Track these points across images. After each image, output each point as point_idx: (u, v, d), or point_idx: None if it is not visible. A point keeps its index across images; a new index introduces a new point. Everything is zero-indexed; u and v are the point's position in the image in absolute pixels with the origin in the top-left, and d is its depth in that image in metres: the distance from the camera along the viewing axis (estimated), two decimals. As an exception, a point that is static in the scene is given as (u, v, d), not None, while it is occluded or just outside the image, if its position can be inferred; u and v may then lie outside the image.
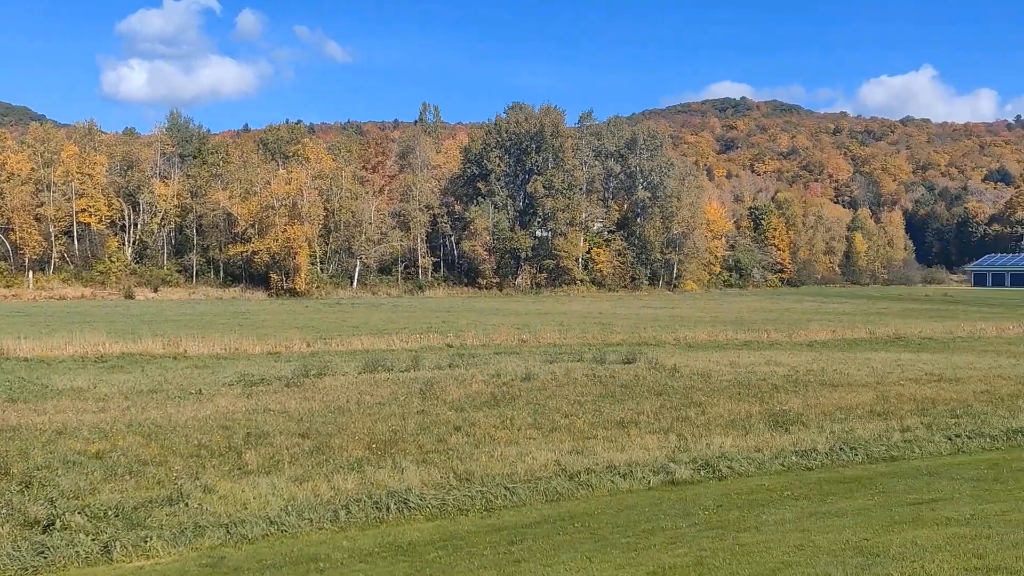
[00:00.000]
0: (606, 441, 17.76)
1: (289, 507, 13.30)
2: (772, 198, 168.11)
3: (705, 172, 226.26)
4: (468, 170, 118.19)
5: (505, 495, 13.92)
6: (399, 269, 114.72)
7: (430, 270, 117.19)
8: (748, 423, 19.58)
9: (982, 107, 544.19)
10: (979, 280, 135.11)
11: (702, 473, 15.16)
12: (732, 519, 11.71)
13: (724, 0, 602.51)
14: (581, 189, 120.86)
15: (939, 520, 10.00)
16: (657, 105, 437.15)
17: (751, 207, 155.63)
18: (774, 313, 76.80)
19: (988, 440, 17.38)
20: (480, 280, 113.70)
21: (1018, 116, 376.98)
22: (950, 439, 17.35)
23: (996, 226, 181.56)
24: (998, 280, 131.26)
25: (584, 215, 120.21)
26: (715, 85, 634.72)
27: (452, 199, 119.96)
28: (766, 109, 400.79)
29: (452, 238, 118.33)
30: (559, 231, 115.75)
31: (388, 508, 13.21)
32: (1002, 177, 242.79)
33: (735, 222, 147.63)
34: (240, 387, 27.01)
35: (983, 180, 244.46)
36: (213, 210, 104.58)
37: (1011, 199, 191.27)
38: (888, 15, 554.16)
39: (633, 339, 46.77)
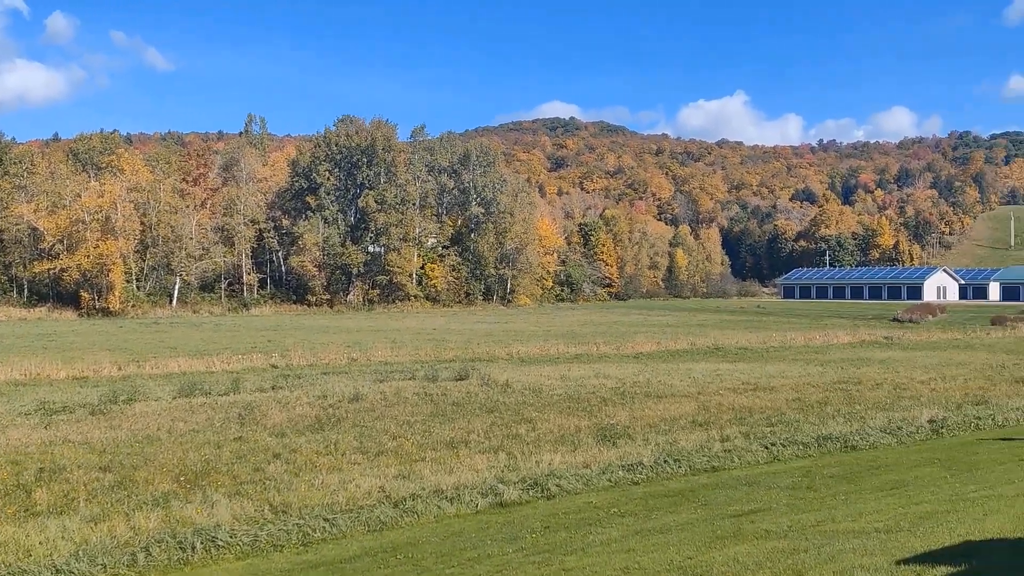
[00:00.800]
0: (434, 463, 17.18)
1: (80, 552, 11.92)
2: (600, 215, 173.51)
3: (537, 189, 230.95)
4: (296, 184, 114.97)
5: (324, 527, 13.08)
6: (222, 286, 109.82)
7: (256, 287, 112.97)
8: (577, 438, 19.53)
9: (789, 131, 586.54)
10: (788, 293, 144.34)
11: (531, 493, 14.86)
12: (559, 541, 11.42)
13: (552, 22, 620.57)
14: (414, 204, 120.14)
15: (759, 533, 10.07)
16: (490, 122, 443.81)
17: (581, 223, 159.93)
18: (603, 326, 78.85)
19: (801, 447, 18.06)
20: (309, 297, 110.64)
21: (820, 140, 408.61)
22: (767, 447, 17.91)
23: (802, 242, 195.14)
24: (805, 292, 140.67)
25: (417, 230, 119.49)
26: (545, 105, 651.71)
27: (279, 213, 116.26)
28: (594, 129, 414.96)
29: (280, 254, 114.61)
30: (392, 246, 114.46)
31: (194, 548, 12.08)
32: (807, 196, 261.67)
33: (566, 238, 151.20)
34: (38, 416, 24.56)
35: (790, 199, 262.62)
36: (16, 224, 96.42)
37: (815, 217, 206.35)
38: (703, 43, 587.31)
39: (466, 355, 46.51)
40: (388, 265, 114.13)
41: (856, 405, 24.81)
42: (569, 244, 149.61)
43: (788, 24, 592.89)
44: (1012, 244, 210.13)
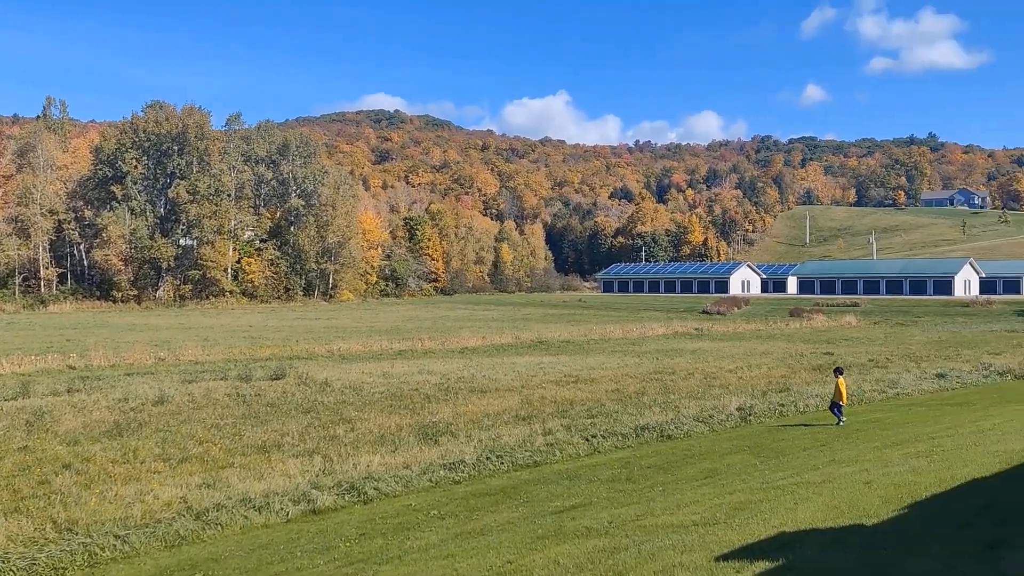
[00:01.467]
0: (244, 470, 16.08)
1: None
2: (426, 209, 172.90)
3: (361, 182, 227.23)
4: (100, 172, 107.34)
5: (115, 545, 11.83)
6: (16, 282, 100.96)
7: (55, 282, 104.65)
8: (398, 438, 18.92)
9: (608, 131, 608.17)
10: (607, 287, 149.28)
11: (347, 498, 14.12)
12: (375, 549, 10.79)
13: (377, 12, 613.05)
14: (230, 195, 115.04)
15: (580, 531, 9.86)
16: (311, 113, 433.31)
17: (406, 218, 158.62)
18: (428, 321, 78.37)
19: (620, 439, 18.27)
20: (115, 293, 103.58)
21: (637, 141, 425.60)
22: (587, 440, 17.99)
23: (621, 238, 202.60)
24: (623, 287, 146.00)
25: (233, 223, 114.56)
26: (370, 96, 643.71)
27: (81, 204, 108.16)
28: (419, 123, 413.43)
29: (82, 247, 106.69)
30: (205, 239, 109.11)
31: (-47, 579, 10.58)
32: (625, 195, 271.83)
33: (391, 232, 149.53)
34: None
35: (609, 197, 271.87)
36: None
37: (632, 214, 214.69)
38: (527, 42, 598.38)
39: (284, 353, 44.74)
40: (201, 259, 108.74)
41: (671, 395, 25.56)
42: (394, 238, 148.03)
43: (608, 28, 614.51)
44: (808, 241, 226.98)
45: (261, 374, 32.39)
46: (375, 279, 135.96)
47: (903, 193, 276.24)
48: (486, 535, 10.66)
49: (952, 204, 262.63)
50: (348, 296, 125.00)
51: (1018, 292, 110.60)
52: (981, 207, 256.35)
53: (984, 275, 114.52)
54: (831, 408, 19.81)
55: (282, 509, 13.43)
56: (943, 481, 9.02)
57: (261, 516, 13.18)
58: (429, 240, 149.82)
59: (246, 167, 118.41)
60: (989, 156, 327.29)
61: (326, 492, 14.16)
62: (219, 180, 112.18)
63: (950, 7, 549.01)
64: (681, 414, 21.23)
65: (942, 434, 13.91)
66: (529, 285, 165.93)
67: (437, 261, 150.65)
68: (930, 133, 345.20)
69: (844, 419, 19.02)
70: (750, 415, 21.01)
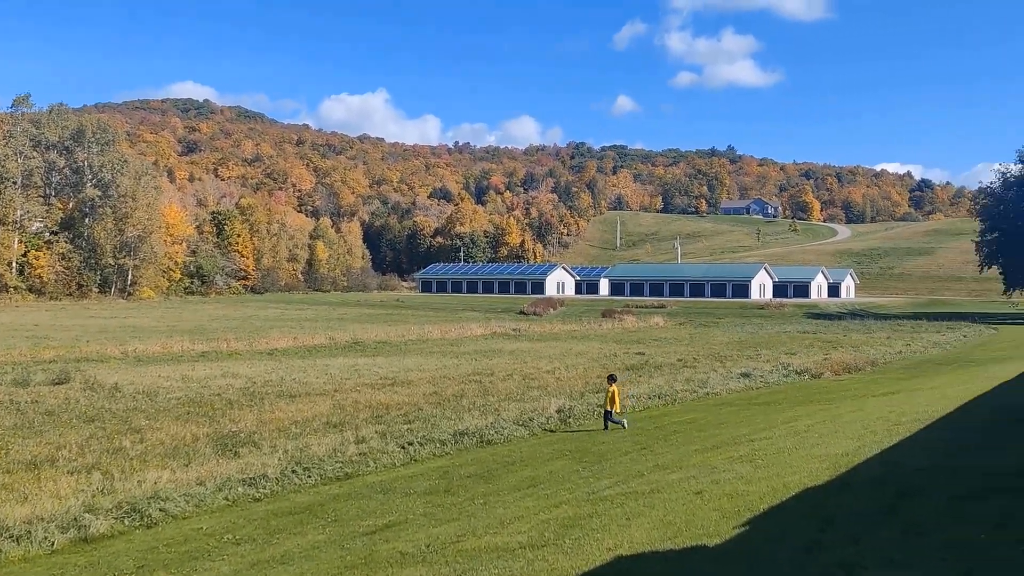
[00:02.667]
0: (5, 491, 13.91)
1: None
2: (236, 204, 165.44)
3: (166, 173, 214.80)
4: None
5: None
6: None
7: None
8: (193, 449, 17.12)
9: (428, 131, 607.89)
10: (426, 287, 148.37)
11: (127, 522, 12.38)
12: (154, 586, 9.30)
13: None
14: (15, 183, 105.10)
15: (394, 558, 8.83)
16: (111, 99, 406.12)
17: (214, 212, 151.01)
18: (236, 321, 74.56)
19: (438, 445, 17.35)
20: None
21: (456, 142, 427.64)
22: (404, 447, 16.95)
23: (440, 238, 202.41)
24: (441, 287, 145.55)
25: (19, 213, 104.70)
26: (177, 85, 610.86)
27: None
28: (231, 114, 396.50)
29: None
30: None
31: None
32: (444, 195, 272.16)
33: (197, 227, 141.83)
34: None
35: (429, 197, 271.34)
36: None
37: (451, 215, 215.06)
38: (347, 36, 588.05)
39: (71, 355, 40.76)
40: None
41: (490, 397, 24.95)
42: (201, 234, 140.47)
43: (428, 28, 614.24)
44: (619, 245, 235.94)
45: (42, 378, 29.16)
46: (179, 276, 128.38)
47: (705, 201, 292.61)
48: (286, 564, 9.44)
49: (748, 213, 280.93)
50: (149, 294, 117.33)
51: (807, 296, 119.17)
52: (774, 216, 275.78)
53: (777, 280, 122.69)
54: (604, 417, 18.92)
55: (46, 538, 11.56)
56: (776, 491, 8.71)
57: (20, 548, 11.27)
58: (239, 236, 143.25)
59: (35, 153, 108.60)
60: (781, 169, 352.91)
61: (102, 516, 12.36)
62: (3, 166, 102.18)
63: (748, 28, 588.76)
64: (501, 417, 20.60)
65: (759, 436, 13.96)
66: (345, 284, 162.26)
67: (247, 258, 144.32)
68: (729, 146, 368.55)
69: (625, 423, 18.70)
70: (569, 417, 20.69)
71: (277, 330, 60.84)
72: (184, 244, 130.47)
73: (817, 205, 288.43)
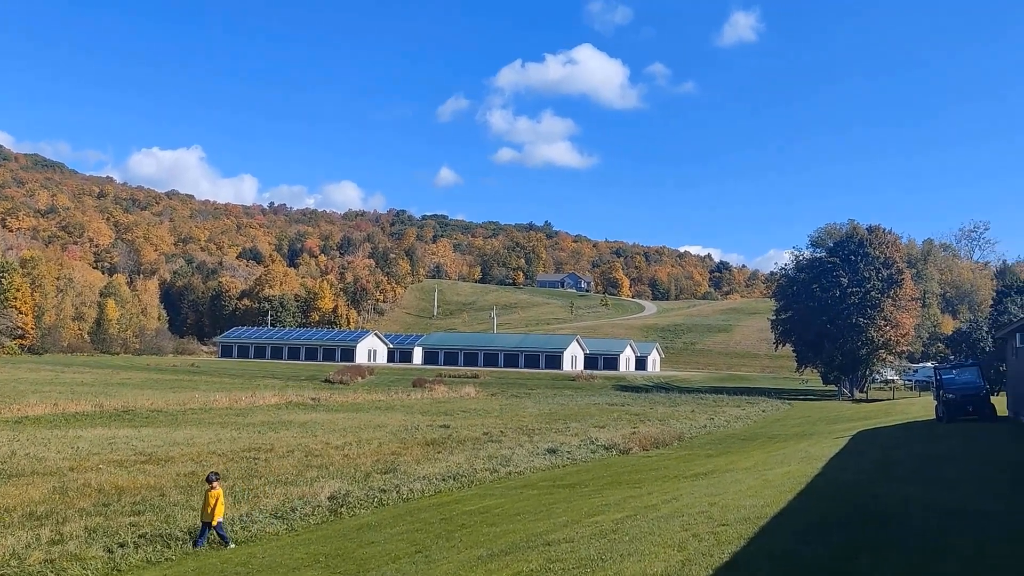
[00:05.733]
0: None
1: None
2: (18, 256, 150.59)
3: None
4: None
5: None
6: None
7: None
8: None
9: (244, 191, 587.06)
10: (226, 351, 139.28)
11: None
12: None
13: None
14: None
15: None
16: None
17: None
18: (-4, 385, 65.75)
19: (161, 547, 13.55)
20: None
21: (272, 203, 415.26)
22: (111, 551, 13.10)
23: (247, 301, 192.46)
24: (243, 352, 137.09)
25: None
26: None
27: None
28: (26, 162, 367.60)
29: None
30: None
31: None
32: (254, 256, 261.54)
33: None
34: None
35: (238, 257, 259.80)
36: None
37: (261, 276, 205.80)
38: (160, 90, 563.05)
39: None
40: None
41: (256, 479, 21.22)
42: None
43: (249, 85, 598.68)
44: (436, 313, 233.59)
45: None
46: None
47: (522, 274, 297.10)
48: None
49: (563, 286, 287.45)
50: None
51: (616, 368, 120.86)
52: (586, 291, 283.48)
53: (588, 352, 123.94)
54: (201, 531, 14.20)
55: None
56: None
57: None
58: (18, 290, 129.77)
59: None
60: (594, 246, 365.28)
61: None
62: None
63: (567, 112, 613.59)
64: (258, 507, 17.01)
65: (558, 536, 11.36)
66: (138, 347, 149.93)
67: (26, 315, 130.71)
68: (546, 221, 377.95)
69: (231, 541, 14.23)
70: (343, 505, 17.34)
71: (38, 395, 53.59)
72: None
73: (627, 281, 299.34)
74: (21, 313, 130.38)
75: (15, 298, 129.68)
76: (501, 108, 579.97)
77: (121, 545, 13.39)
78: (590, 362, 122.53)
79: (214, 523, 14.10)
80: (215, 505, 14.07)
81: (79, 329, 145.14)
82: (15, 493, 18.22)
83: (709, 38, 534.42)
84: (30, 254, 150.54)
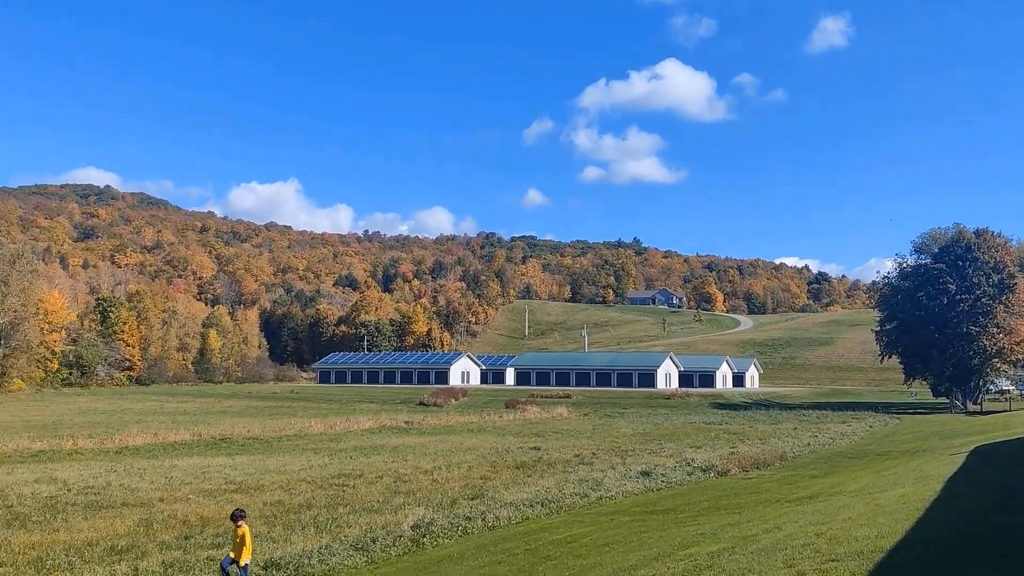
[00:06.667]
0: None
1: None
2: (125, 291, 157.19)
3: (58, 260, 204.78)
4: None
5: None
6: None
7: None
8: None
9: (340, 220, 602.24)
10: (324, 377, 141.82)
11: None
12: None
13: (91, 81, 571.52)
14: None
15: None
16: (6, 183, 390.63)
17: (99, 299, 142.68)
18: (104, 415, 68.19)
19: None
20: None
21: (366, 231, 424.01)
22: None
23: (343, 327, 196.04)
24: (341, 377, 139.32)
25: None
26: (78, 171, 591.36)
27: None
28: (132, 200, 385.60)
29: None
30: None
31: None
32: (350, 283, 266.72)
33: (80, 315, 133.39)
34: None
35: (334, 284, 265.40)
36: None
37: (356, 302, 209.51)
38: (257, 128, 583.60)
39: None
40: None
41: (341, 508, 20.83)
42: (83, 322, 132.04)
43: (343, 119, 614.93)
44: (527, 334, 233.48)
45: None
46: (57, 366, 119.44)
47: (612, 291, 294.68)
48: None
49: (654, 303, 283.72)
50: (20, 385, 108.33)
51: (712, 386, 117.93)
52: (678, 307, 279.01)
53: (683, 369, 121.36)
54: (222, 569, 13.38)
55: None
56: None
57: None
58: (125, 324, 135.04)
59: None
60: (685, 261, 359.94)
61: None
62: None
63: (653, 128, 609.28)
64: (339, 538, 16.55)
65: (647, 571, 10.41)
66: (240, 375, 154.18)
67: (133, 348, 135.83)
68: (635, 238, 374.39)
69: None
70: (426, 535, 16.72)
71: (142, 425, 55.12)
72: (63, 332, 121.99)
73: (720, 296, 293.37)
74: (128, 346, 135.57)
75: (122, 331, 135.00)
76: (586, 127, 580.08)
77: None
78: (685, 379, 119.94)
79: (241, 563, 13.11)
80: (241, 545, 13.24)
81: (183, 359, 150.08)
82: (102, 526, 18.25)
83: (797, 45, 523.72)
84: (135, 288, 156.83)
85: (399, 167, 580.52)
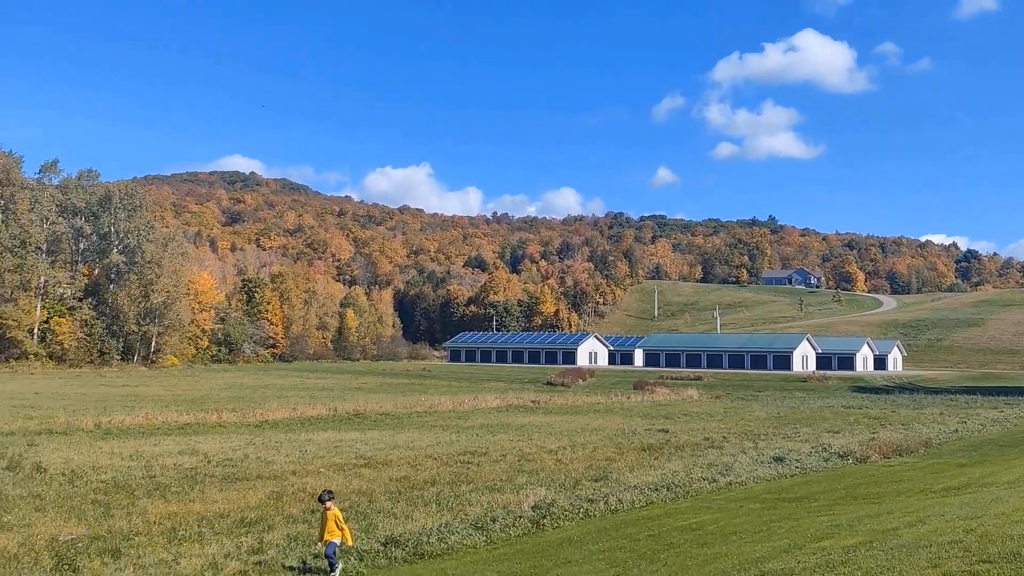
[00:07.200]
0: None
1: None
2: (268, 272, 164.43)
3: (208, 243, 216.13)
4: None
5: None
6: None
7: None
8: (29, 563, 13.07)
9: (470, 202, 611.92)
10: (455, 356, 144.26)
11: None
12: None
13: (239, 74, 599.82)
14: (40, 249, 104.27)
15: None
16: (161, 172, 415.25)
17: (244, 279, 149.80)
18: (248, 390, 71.39)
19: (356, 559, 13.17)
20: None
21: (495, 212, 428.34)
22: (304, 562, 12.84)
23: (473, 307, 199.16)
24: (470, 356, 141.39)
25: (42, 279, 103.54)
26: (226, 159, 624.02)
27: None
28: (275, 186, 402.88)
29: None
30: (6, 296, 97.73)
31: None
32: (479, 264, 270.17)
33: (227, 295, 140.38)
34: None
35: (464, 265, 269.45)
36: None
37: (485, 283, 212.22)
38: (391, 116, 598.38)
39: (38, 426, 37.43)
40: (1, 318, 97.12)
41: (464, 485, 20.87)
42: (230, 301, 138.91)
43: (473, 104, 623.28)
44: (656, 315, 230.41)
45: (-35, 455, 25.68)
46: (206, 344, 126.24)
47: (745, 271, 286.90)
48: None
49: (790, 283, 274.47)
50: (173, 361, 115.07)
51: (852, 368, 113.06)
52: (816, 287, 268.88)
53: (820, 351, 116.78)
54: (328, 557, 12.59)
55: None
56: None
57: None
58: (268, 303, 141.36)
59: (61, 219, 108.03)
60: (823, 239, 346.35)
61: None
62: (26, 231, 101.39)
63: (789, 101, 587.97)
64: (460, 516, 16.53)
65: (775, 564, 9.76)
66: (375, 353, 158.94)
67: (276, 326, 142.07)
68: (770, 216, 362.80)
69: (339, 565, 12.63)
70: (546, 516, 16.46)
71: (283, 400, 57.36)
72: (212, 311, 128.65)
73: (861, 276, 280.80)
74: (272, 324, 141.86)
75: (266, 310, 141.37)
76: (718, 103, 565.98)
77: (315, 556, 13.22)
78: (823, 362, 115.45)
79: (326, 540, 12.63)
80: (337, 524, 12.74)
81: (323, 337, 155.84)
82: (235, 497, 18.90)
83: (944, 11, 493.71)
84: (278, 270, 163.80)
85: (527, 149, 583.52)
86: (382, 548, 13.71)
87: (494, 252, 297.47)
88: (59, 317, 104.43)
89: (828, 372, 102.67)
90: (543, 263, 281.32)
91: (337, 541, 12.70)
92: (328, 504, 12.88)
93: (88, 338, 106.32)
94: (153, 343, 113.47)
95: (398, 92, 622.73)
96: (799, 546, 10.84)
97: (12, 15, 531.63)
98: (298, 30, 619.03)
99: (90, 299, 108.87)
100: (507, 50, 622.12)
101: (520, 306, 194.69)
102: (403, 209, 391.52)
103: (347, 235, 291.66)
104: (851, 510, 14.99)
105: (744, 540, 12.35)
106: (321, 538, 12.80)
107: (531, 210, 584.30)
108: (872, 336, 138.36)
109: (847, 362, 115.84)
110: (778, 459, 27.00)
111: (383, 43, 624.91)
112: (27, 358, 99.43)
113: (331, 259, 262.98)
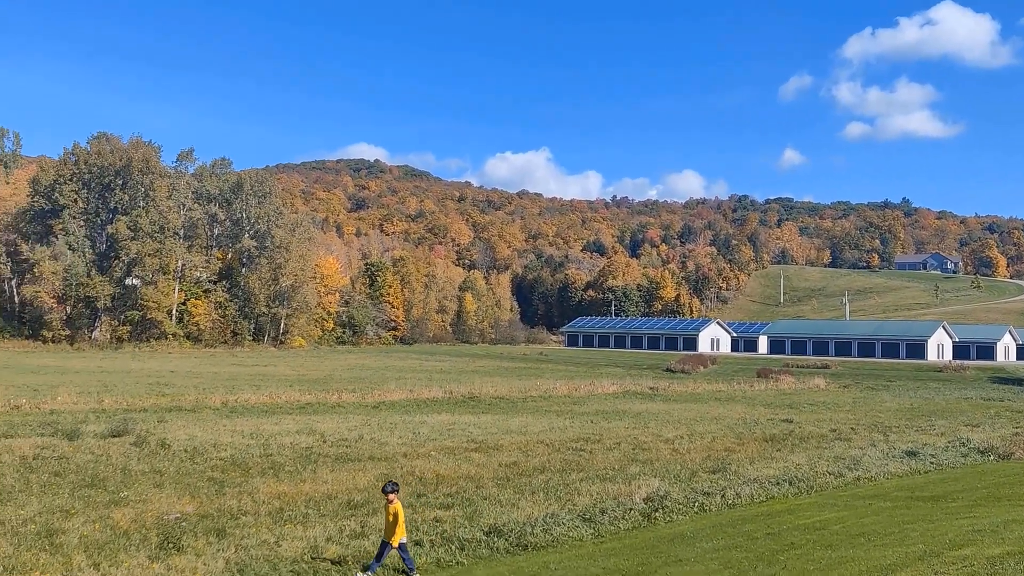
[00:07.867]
0: None
1: None
2: (390, 256, 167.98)
3: (335, 228, 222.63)
4: (37, 204, 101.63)
5: None
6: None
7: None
8: (137, 540, 13.21)
9: (589, 186, 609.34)
10: (572, 341, 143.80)
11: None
12: None
13: (363, 64, 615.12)
14: (177, 234, 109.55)
15: None
16: (291, 160, 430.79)
17: (367, 263, 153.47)
18: (370, 371, 72.96)
19: (455, 548, 12.76)
20: (45, 332, 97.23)
21: (614, 196, 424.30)
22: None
23: (591, 292, 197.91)
24: (588, 341, 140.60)
25: (180, 263, 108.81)
26: (352, 147, 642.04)
27: (16, 237, 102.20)
28: (398, 172, 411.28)
29: (13, 282, 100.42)
30: (148, 279, 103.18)
31: None
32: (598, 248, 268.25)
33: (351, 278, 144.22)
34: None
35: (582, 250, 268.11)
36: None
37: (604, 268, 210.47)
38: (510, 100, 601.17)
39: (170, 404, 39.11)
40: (143, 299, 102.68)
41: (574, 473, 20.31)
42: (354, 285, 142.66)
43: (594, 87, 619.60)
44: (781, 300, 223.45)
45: (99, 429, 26.86)
46: (332, 326, 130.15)
47: (877, 256, 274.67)
48: None
49: (925, 268, 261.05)
50: (300, 342, 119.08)
51: (992, 358, 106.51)
52: (953, 272, 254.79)
53: (957, 340, 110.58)
54: (380, 549, 11.77)
55: None
56: None
57: None
58: (390, 287, 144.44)
59: (196, 205, 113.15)
60: (961, 223, 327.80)
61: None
62: (164, 217, 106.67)
63: (926, 78, 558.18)
64: (567, 506, 15.98)
65: (908, 573, 8.81)
66: (493, 336, 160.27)
67: (397, 309, 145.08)
68: (904, 198, 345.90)
69: (414, 567, 11.71)
70: (659, 509, 15.71)
71: (401, 381, 58.26)
72: (337, 295, 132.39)
73: (1003, 261, 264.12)
74: (393, 307, 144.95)
75: (388, 294, 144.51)
76: (849, 81, 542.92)
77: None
78: (960, 351, 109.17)
79: (394, 544, 11.64)
80: (394, 524, 11.68)
81: (442, 321, 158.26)
82: (345, 479, 18.94)
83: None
84: (399, 254, 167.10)
85: (648, 132, 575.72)
86: (484, 538, 13.30)
87: (613, 236, 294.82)
88: (195, 299, 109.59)
89: (966, 362, 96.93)
90: (663, 247, 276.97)
91: (404, 539, 11.83)
92: (391, 497, 11.84)
93: (222, 319, 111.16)
94: (282, 325, 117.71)
95: (519, 79, 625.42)
96: (935, 553, 9.80)
97: (166, 26, 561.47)
98: (426, 35, 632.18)
99: (224, 282, 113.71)
100: (628, 34, 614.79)
101: (639, 291, 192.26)
102: (522, 194, 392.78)
103: (467, 220, 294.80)
104: (994, 513, 13.66)
105: (873, 543, 11.33)
106: (389, 537, 11.77)
107: (652, 193, 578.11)
108: (1015, 324, 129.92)
109: (987, 351, 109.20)
110: (911, 453, 25.30)
111: (498, 40, 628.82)
112: (166, 338, 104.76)
113: (451, 244, 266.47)
